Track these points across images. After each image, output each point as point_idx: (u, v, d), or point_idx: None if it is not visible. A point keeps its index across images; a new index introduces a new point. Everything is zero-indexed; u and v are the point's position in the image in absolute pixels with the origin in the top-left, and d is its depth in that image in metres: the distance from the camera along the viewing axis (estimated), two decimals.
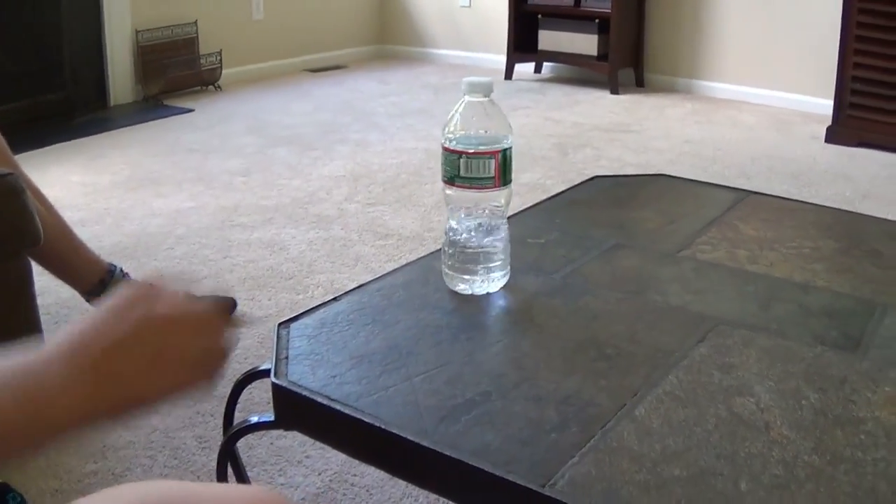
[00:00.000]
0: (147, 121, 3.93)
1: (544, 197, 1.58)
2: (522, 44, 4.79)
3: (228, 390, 1.11)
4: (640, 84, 4.73)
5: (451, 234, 1.10)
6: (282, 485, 1.47)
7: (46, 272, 1.85)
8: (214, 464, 1.10)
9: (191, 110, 4.12)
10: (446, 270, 1.12)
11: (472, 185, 1.06)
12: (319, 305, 1.11)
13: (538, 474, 0.77)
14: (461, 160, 1.05)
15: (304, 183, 3.08)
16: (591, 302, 1.11)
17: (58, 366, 0.52)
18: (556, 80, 4.93)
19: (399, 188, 3.03)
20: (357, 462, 1.38)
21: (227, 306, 0.60)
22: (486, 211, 1.09)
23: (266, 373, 0.99)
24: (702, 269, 1.22)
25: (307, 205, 2.85)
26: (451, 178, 1.07)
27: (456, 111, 1.07)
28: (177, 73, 4.33)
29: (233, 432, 1.05)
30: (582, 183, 1.62)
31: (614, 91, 4.53)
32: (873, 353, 0.99)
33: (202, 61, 4.47)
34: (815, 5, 4.09)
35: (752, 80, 4.39)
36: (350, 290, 1.16)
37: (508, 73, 4.85)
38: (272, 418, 0.97)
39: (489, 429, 0.84)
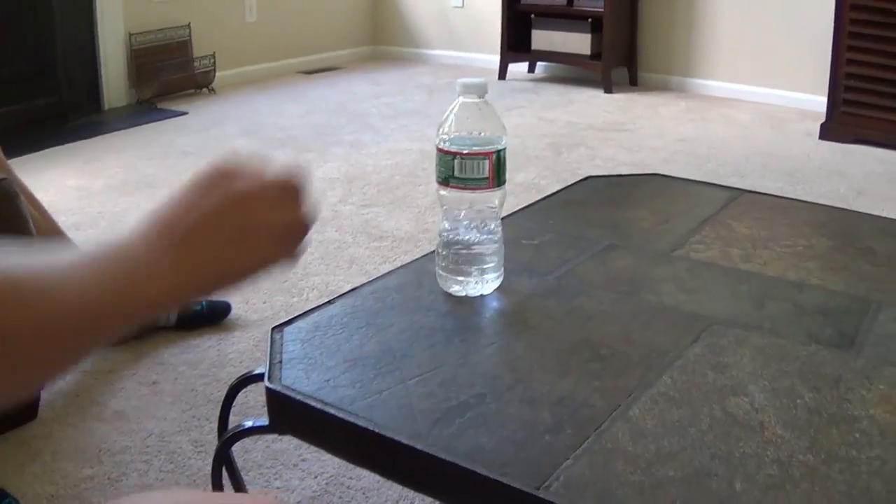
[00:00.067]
0: (141, 124, 3.92)
1: (539, 197, 1.58)
2: (516, 43, 4.79)
3: (223, 394, 1.11)
4: (633, 83, 4.74)
5: (445, 235, 1.10)
6: (278, 488, 1.46)
7: None
8: (210, 468, 1.10)
9: (185, 113, 4.11)
10: (440, 272, 1.12)
11: (467, 186, 1.06)
12: (313, 309, 1.11)
13: (533, 476, 0.77)
14: (455, 161, 1.05)
15: None
16: (585, 303, 1.11)
17: (146, 245, 0.52)
18: (550, 79, 4.93)
19: (393, 189, 3.03)
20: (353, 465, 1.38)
21: (301, 176, 0.59)
22: (481, 212, 1.09)
23: (261, 377, 0.99)
24: (695, 269, 1.22)
25: None
26: (446, 179, 1.07)
27: (450, 112, 1.07)
28: (170, 76, 4.32)
29: (227, 437, 1.05)
30: (576, 183, 1.62)
31: (608, 90, 4.54)
32: (868, 352, 0.99)
33: (195, 64, 4.46)
34: (809, 2, 4.10)
35: (746, 78, 4.40)
36: (344, 293, 1.15)
37: (502, 73, 4.85)
38: (267, 422, 0.97)
39: (483, 431, 0.84)
